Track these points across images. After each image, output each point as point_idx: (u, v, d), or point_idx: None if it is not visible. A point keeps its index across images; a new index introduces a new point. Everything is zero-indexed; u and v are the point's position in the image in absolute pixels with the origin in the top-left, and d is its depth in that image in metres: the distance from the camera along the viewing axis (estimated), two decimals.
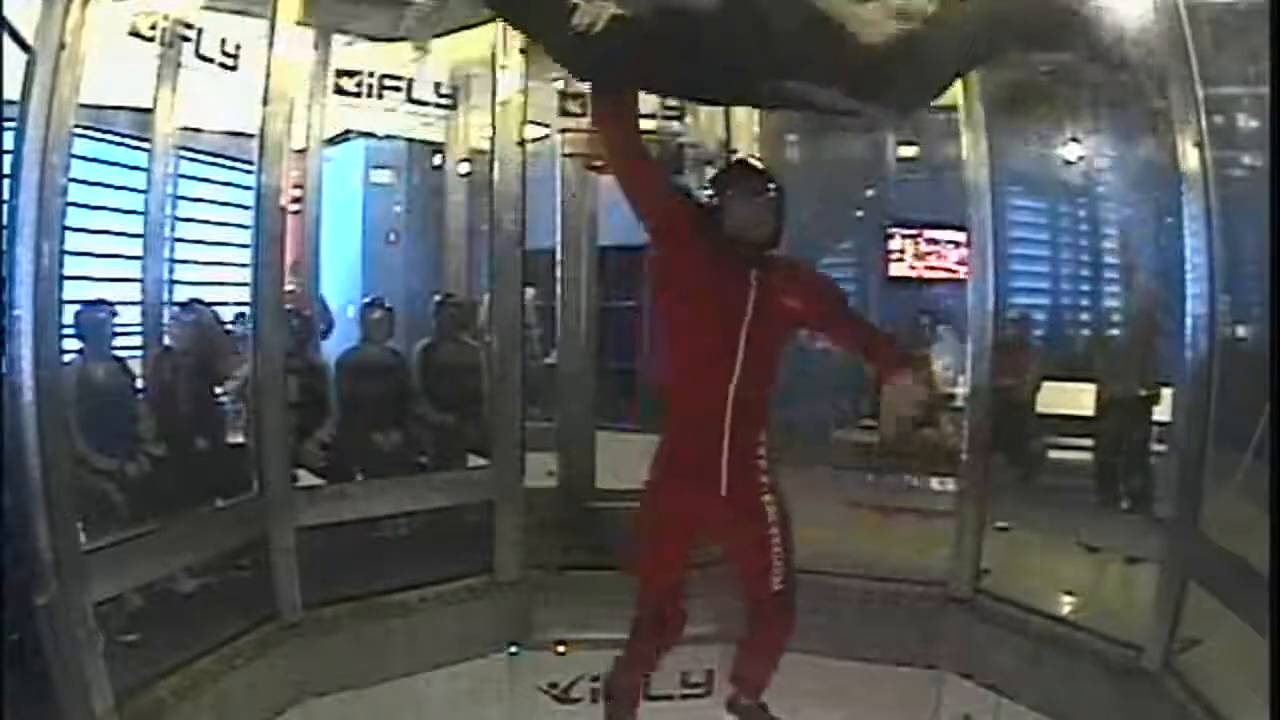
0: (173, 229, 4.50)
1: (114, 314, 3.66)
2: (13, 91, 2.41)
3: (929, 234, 6.22)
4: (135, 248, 4.30)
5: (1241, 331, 3.23)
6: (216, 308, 4.26)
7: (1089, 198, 6.34)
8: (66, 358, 3.03)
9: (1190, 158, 2.96)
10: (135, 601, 3.10)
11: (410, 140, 5.85)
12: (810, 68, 2.12)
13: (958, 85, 3.64)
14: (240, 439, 3.88)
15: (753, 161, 2.81)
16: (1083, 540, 3.91)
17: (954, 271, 5.80)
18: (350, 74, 4.66)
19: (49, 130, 2.47)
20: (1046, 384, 4.98)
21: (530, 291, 4.49)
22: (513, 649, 3.67)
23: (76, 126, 2.61)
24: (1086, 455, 4.70)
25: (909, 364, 2.53)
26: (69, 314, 3.22)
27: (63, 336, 2.73)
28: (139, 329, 4.14)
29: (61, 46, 2.48)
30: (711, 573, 3.97)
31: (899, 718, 3.46)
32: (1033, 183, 5.95)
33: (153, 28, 3.74)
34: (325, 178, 4.98)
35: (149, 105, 4.15)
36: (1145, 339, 4.51)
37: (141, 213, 4.28)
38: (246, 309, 3.75)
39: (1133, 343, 4.65)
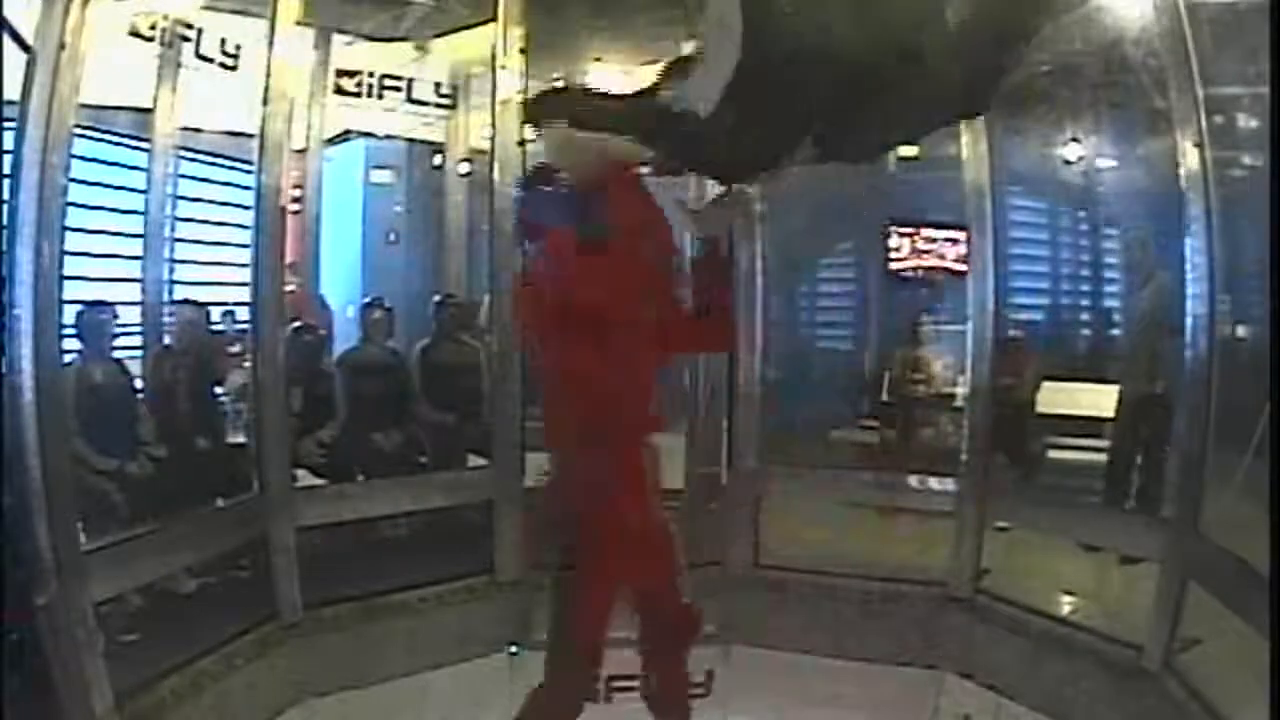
0: (173, 229, 4.50)
1: (115, 315, 3.66)
2: (13, 91, 2.41)
3: (928, 233, 6.22)
4: (135, 248, 4.30)
5: (1241, 331, 3.23)
6: (212, 307, 4.29)
7: (1089, 198, 6.34)
8: (67, 358, 3.03)
9: (1190, 158, 2.96)
10: (135, 601, 3.11)
11: (410, 140, 5.85)
12: None
13: None
14: (240, 439, 3.89)
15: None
16: (1083, 540, 3.92)
17: (954, 271, 5.81)
18: (350, 74, 4.67)
19: (49, 130, 2.47)
20: (1046, 384, 4.99)
21: None
22: (513, 649, 3.66)
23: (76, 126, 2.61)
24: (1087, 455, 4.70)
25: None
26: (69, 314, 3.23)
27: (63, 336, 2.73)
28: (139, 329, 4.15)
29: (61, 46, 2.48)
30: (710, 573, 3.99)
31: (899, 718, 3.45)
32: (1033, 183, 5.96)
33: (153, 28, 3.75)
34: (325, 178, 4.98)
35: (149, 105, 4.16)
36: (1146, 339, 4.50)
37: (141, 213, 4.29)
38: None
39: (1133, 343, 4.64)
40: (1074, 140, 5.78)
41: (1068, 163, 5.91)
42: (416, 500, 3.91)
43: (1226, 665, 2.76)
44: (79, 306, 3.48)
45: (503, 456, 3.88)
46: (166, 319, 4.20)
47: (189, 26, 3.89)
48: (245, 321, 4.12)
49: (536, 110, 2.59)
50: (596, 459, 2.24)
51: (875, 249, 6.39)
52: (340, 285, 5.57)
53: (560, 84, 3.20)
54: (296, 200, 4.36)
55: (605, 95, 2.69)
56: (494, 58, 3.83)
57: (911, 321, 5.71)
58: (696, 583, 3.99)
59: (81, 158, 3.23)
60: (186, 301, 4.27)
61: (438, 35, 4.69)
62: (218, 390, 4.14)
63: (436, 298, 4.91)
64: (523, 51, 3.83)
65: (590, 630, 2.38)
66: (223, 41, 3.99)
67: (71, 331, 3.36)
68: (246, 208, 3.49)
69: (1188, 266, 2.97)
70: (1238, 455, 2.96)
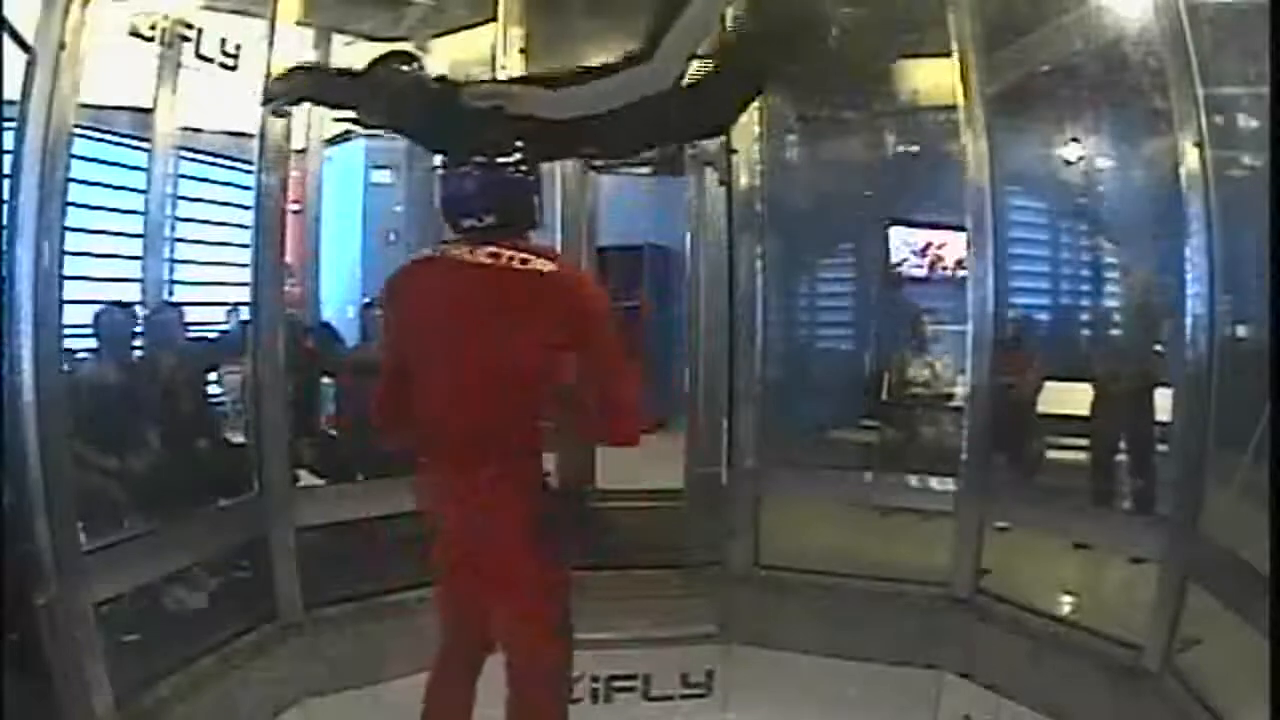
0: (173, 229, 4.50)
1: (134, 317, 3.67)
2: (13, 91, 2.41)
3: (929, 234, 6.22)
4: (135, 248, 4.30)
5: (1241, 331, 3.23)
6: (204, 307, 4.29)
7: (1089, 198, 6.34)
8: (68, 358, 3.03)
9: (1190, 158, 2.97)
10: (138, 603, 3.11)
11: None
12: None
13: (958, 84, 3.66)
14: (240, 439, 3.88)
15: None
16: (1082, 540, 3.92)
17: (954, 271, 5.80)
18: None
19: (49, 130, 2.47)
20: (1048, 384, 4.99)
21: None
22: None
23: (76, 126, 2.61)
24: (1086, 455, 4.70)
25: None
26: (74, 314, 3.23)
27: (63, 336, 2.73)
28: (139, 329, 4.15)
29: (61, 46, 2.48)
30: (710, 573, 4.00)
31: (899, 718, 3.45)
32: (1033, 183, 5.95)
33: (153, 28, 3.74)
34: (325, 178, 4.97)
35: (149, 105, 4.16)
36: (1146, 338, 4.51)
37: (141, 213, 4.29)
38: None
39: (1133, 342, 4.65)
40: (1074, 140, 5.78)
41: (1068, 163, 5.91)
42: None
43: (1226, 665, 2.76)
44: (99, 307, 3.51)
45: None
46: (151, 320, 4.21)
47: (189, 26, 3.88)
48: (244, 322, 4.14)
49: (279, 87, 2.75)
50: None
51: (875, 249, 6.39)
52: (340, 285, 5.57)
53: (303, 62, 3.25)
54: (296, 200, 4.36)
55: (347, 71, 2.82)
56: (494, 58, 3.84)
57: (911, 321, 5.71)
58: (697, 583, 4.04)
59: (81, 158, 3.21)
60: (174, 304, 4.29)
61: (438, 35, 4.69)
62: (214, 390, 4.15)
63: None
64: (523, 51, 3.83)
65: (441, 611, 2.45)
66: (223, 41, 3.98)
67: (89, 331, 3.38)
68: (246, 208, 3.49)
69: (1188, 266, 2.98)
70: (1238, 455, 2.97)
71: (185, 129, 4.36)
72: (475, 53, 4.30)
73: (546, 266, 2.19)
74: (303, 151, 4.60)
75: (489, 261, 2.18)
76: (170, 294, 4.41)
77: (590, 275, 2.23)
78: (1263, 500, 2.14)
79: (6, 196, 2.40)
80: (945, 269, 6.12)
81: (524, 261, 2.17)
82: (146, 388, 3.83)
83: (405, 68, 2.65)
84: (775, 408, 4.27)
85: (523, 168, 2.30)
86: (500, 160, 2.28)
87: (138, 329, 3.76)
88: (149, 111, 4.17)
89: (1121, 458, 4.53)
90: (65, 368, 2.88)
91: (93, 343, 3.60)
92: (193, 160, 4.68)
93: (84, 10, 2.54)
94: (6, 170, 2.41)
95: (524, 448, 2.24)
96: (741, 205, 4.03)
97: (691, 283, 4.43)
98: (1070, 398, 5.01)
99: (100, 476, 3.37)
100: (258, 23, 3.52)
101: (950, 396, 5.05)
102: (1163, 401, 4.18)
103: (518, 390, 2.19)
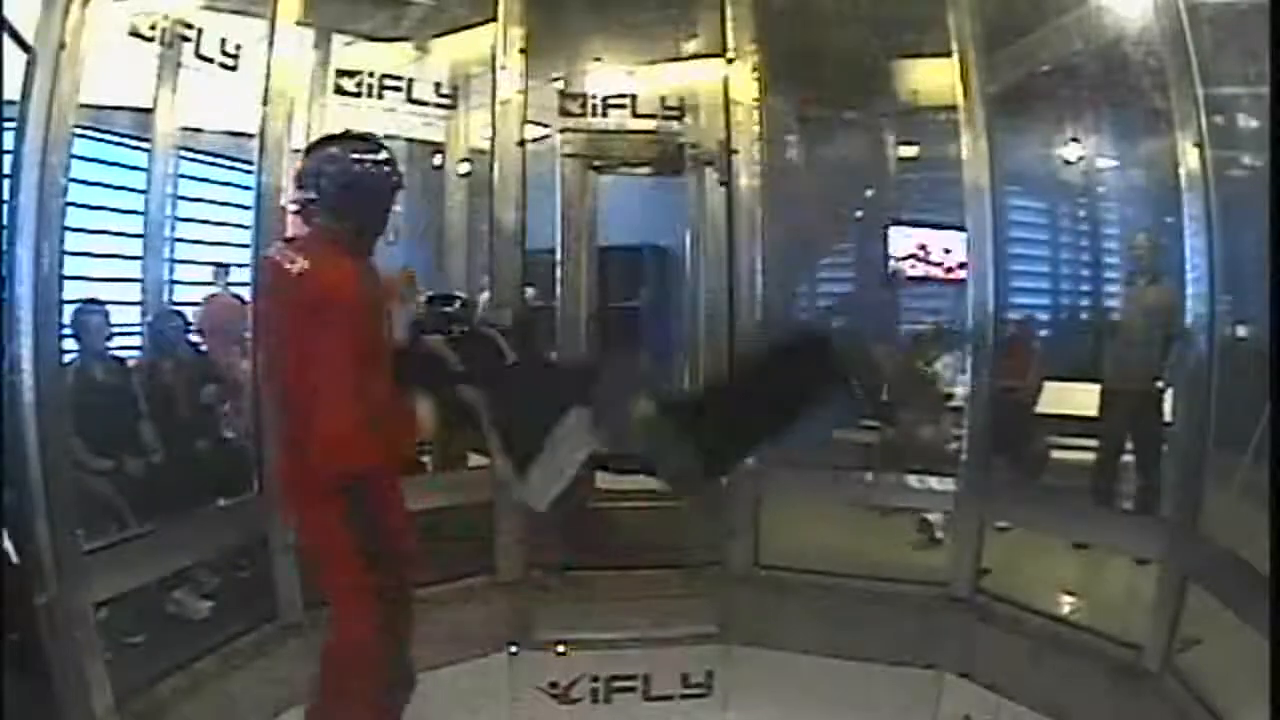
0: (173, 229, 4.50)
1: (106, 314, 3.66)
2: (13, 91, 2.41)
3: (929, 234, 6.22)
4: (135, 248, 4.31)
5: (1242, 331, 3.23)
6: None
7: (1089, 198, 6.34)
8: (66, 358, 3.03)
9: (1190, 158, 2.97)
10: (138, 603, 3.11)
11: (410, 140, 5.83)
12: None
13: (958, 84, 3.66)
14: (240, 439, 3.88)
15: None
16: (1082, 540, 3.92)
17: (954, 271, 5.80)
18: (350, 74, 4.66)
19: (49, 130, 2.47)
20: (1048, 384, 4.99)
21: (530, 291, 4.49)
22: (513, 649, 3.67)
23: (76, 126, 2.61)
24: (1088, 455, 4.70)
25: None
26: (69, 314, 3.23)
27: (63, 336, 2.73)
28: (139, 329, 4.15)
29: (61, 46, 2.48)
30: (710, 573, 4.00)
31: (899, 718, 3.45)
32: (1033, 183, 5.95)
33: (153, 28, 3.74)
34: None
35: (149, 105, 4.16)
36: (1146, 338, 4.51)
37: (141, 213, 4.29)
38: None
39: (1132, 343, 4.65)
40: (1074, 140, 5.78)
41: (1068, 163, 5.91)
42: (416, 500, 3.90)
43: (1226, 665, 2.76)
44: (73, 305, 3.48)
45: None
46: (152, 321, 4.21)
47: (189, 26, 3.88)
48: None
49: None
50: None
51: (875, 249, 6.39)
52: None
53: None
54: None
55: None
56: (494, 58, 3.84)
57: (912, 321, 5.71)
58: (697, 583, 4.04)
59: (81, 158, 3.22)
60: (177, 306, 4.29)
61: (438, 35, 4.70)
62: (212, 390, 4.15)
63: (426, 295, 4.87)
64: (523, 51, 3.84)
65: None
66: (223, 41, 3.98)
67: (69, 331, 3.37)
68: (246, 208, 3.49)
69: (1188, 266, 2.98)
70: (1238, 455, 2.97)
71: (185, 129, 4.37)
72: (475, 53, 4.31)
73: (290, 261, 1.94)
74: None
75: (273, 260, 1.98)
76: (170, 294, 4.41)
77: (330, 265, 1.93)
78: (1263, 500, 2.14)
79: (6, 196, 2.40)
80: (945, 269, 6.12)
81: (286, 257, 1.96)
82: (147, 387, 3.83)
83: None
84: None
85: (372, 158, 2.08)
86: (355, 136, 2.10)
87: (113, 328, 3.73)
88: (149, 111, 4.18)
89: (1127, 458, 4.53)
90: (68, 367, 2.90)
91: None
92: (193, 160, 4.69)
93: (84, 10, 2.54)
94: (6, 170, 2.41)
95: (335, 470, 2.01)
96: (742, 205, 4.03)
97: (691, 283, 4.43)
98: (1071, 398, 5.02)
99: (100, 477, 3.37)
100: (258, 23, 3.52)
101: (950, 396, 5.05)
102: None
103: (301, 407, 1.97)
